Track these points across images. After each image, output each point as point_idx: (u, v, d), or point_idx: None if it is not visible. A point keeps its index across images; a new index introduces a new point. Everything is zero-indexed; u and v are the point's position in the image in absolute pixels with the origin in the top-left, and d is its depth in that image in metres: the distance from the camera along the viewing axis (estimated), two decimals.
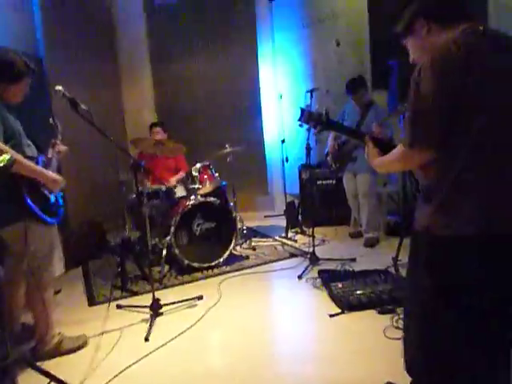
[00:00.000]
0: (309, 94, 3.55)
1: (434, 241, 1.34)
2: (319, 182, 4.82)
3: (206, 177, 3.88)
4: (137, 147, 3.66)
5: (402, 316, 2.47)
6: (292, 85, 5.29)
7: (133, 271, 3.62)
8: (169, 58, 5.72)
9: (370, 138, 1.62)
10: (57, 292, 3.11)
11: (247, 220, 4.63)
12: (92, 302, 3.15)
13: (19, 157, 2.09)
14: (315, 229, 3.60)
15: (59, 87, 2.34)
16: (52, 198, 2.33)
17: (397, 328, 2.37)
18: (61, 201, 2.43)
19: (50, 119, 2.65)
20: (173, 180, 4.28)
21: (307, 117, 1.54)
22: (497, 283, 1.26)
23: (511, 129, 1.25)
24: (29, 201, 2.15)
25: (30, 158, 2.22)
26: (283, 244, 4.28)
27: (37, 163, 2.27)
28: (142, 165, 2.70)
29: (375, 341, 2.30)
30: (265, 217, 5.63)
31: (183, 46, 5.65)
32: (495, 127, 1.24)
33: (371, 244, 3.97)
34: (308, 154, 3.46)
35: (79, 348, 2.42)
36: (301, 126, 1.56)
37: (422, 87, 1.24)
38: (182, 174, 4.31)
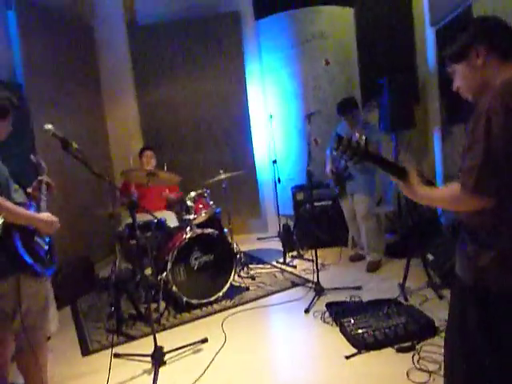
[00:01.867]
0: (307, 119, 3.43)
1: (490, 297, 1.23)
2: (315, 204, 4.70)
3: (201, 206, 3.72)
4: (128, 179, 3.45)
5: (422, 355, 2.37)
6: (282, 105, 5.19)
7: (126, 309, 3.39)
8: (154, 82, 5.48)
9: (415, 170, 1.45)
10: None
11: (240, 243, 4.44)
12: (86, 351, 2.89)
13: (10, 205, 1.88)
14: (313, 251, 3.45)
15: (49, 126, 2.13)
16: (45, 246, 2.12)
17: (419, 370, 2.25)
18: (51, 247, 2.21)
19: (31, 157, 2.42)
20: (169, 195, 4.12)
21: (346, 146, 1.37)
22: None
23: None
24: (22, 252, 1.94)
25: (21, 205, 2.01)
26: (282, 270, 4.13)
27: (28, 208, 2.06)
28: (136, 202, 2.51)
29: None
30: (258, 239, 5.48)
31: (168, 69, 5.44)
32: None
33: (374, 269, 3.86)
34: (310, 180, 3.34)
35: None
36: (341, 156, 1.38)
37: (495, 130, 1.12)
38: (178, 195, 4.12)
